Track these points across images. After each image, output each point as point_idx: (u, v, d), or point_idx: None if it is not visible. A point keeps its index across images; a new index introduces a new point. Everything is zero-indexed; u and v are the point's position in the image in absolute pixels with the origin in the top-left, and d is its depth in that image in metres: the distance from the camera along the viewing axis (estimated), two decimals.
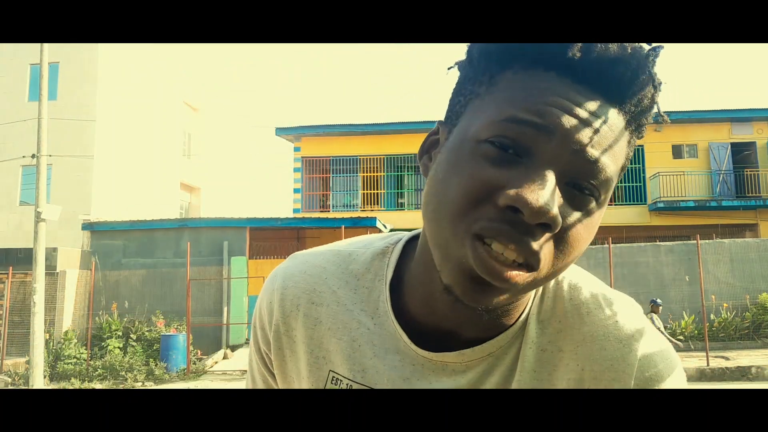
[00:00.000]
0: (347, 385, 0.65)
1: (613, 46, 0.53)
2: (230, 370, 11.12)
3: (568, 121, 0.52)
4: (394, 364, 0.64)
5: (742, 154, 18.15)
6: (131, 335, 12.38)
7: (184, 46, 22.29)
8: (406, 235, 0.73)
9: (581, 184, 0.53)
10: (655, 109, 0.57)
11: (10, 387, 10.65)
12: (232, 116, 27.52)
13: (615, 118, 0.54)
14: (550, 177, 0.52)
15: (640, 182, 18.01)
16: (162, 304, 13.12)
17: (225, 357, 12.30)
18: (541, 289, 0.65)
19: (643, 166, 17.96)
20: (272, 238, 15.15)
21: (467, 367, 0.63)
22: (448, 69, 0.62)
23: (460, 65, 0.61)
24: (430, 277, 0.61)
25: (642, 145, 17.98)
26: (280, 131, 18.87)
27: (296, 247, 15.91)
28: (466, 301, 0.54)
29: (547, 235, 0.52)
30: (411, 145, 17.70)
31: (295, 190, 18.93)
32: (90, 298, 13.04)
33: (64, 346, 11.95)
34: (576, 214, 0.54)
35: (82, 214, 15.38)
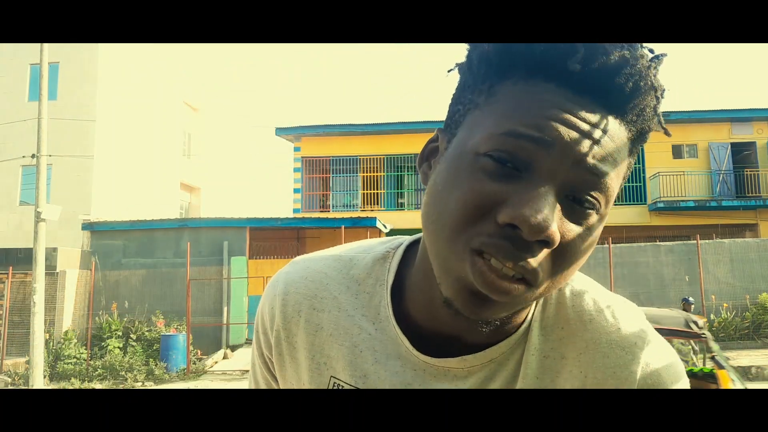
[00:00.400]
0: None
1: (615, 55, 0.52)
2: (230, 370, 11.12)
3: (568, 133, 0.51)
4: (395, 369, 0.64)
5: (742, 154, 18.15)
6: (131, 335, 12.38)
7: (184, 46, 22.29)
8: (407, 239, 0.73)
9: (581, 197, 0.53)
10: (656, 119, 0.56)
11: (10, 387, 10.65)
12: (232, 116, 27.52)
13: (616, 128, 0.54)
14: (549, 192, 0.51)
15: (640, 182, 18.01)
16: (162, 304, 13.12)
17: (225, 357, 12.30)
18: (543, 297, 0.65)
19: (643, 166, 17.96)
20: (272, 238, 15.16)
21: (469, 373, 0.63)
22: (448, 71, 0.61)
23: (461, 68, 0.60)
24: (430, 284, 0.61)
25: (642, 145, 17.97)
26: (280, 131, 18.87)
27: (296, 247, 15.94)
28: (465, 314, 0.55)
29: (546, 250, 0.52)
30: (411, 145, 17.70)
31: (295, 190, 18.93)
32: (90, 298, 13.04)
33: (64, 346, 11.95)
34: (575, 229, 0.53)
35: (82, 214, 15.38)
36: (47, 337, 11.87)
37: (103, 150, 17.24)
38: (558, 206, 0.52)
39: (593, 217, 0.54)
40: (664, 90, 0.56)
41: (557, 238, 0.51)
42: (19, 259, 13.14)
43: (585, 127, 0.52)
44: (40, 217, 10.12)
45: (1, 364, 11.67)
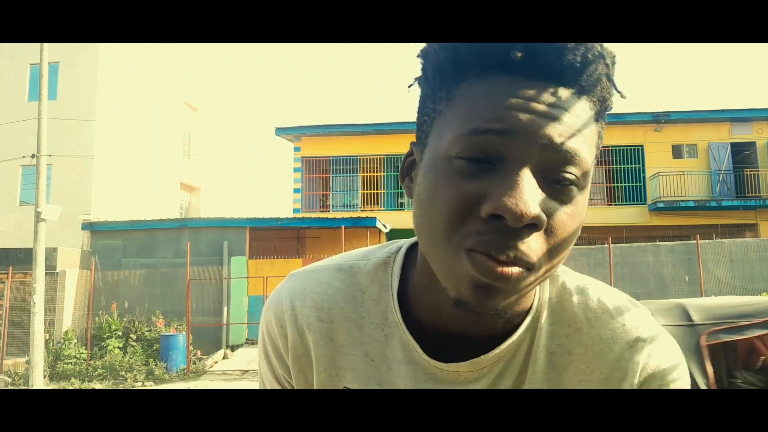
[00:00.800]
0: None
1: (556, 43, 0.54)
2: (230, 370, 11.12)
3: (528, 118, 0.53)
4: (407, 375, 0.65)
5: (742, 154, 18.16)
6: (131, 335, 12.39)
7: (184, 46, 22.29)
8: (406, 242, 0.73)
9: (558, 176, 0.54)
10: (612, 84, 0.57)
11: (10, 387, 10.65)
12: (232, 116, 27.53)
13: (575, 102, 0.55)
14: (525, 177, 0.52)
15: (640, 182, 18.01)
16: (162, 304, 13.12)
17: (225, 357, 12.30)
18: (547, 294, 0.66)
19: (643, 166, 17.96)
20: (272, 238, 15.16)
21: (479, 375, 0.63)
22: (409, 87, 0.63)
23: (419, 81, 0.61)
24: (434, 286, 0.61)
25: (642, 145, 18.00)
26: (280, 131, 18.87)
27: (296, 247, 15.94)
28: (476, 307, 0.55)
29: (536, 233, 0.53)
30: None
31: (295, 190, 18.93)
32: (90, 298, 13.04)
33: (64, 346, 11.95)
34: (559, 206, 0.54)
35: (82, 214, 15.38)
36: (47, 337, 11.87)
37: (103, 150, 17.24)
38: (537, 189, 0.53)
39: (574, 192, 0.55)
40: (614, 56, 0.57)
41: (543, 219, 0.52)
42: (19, 259, 13.14)
43: (544, 108, 0.53)
44: (40, 217, 10.12)
45: (1, 364, 11.67)
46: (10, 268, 12.72)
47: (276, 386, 0.74)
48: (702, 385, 3.28)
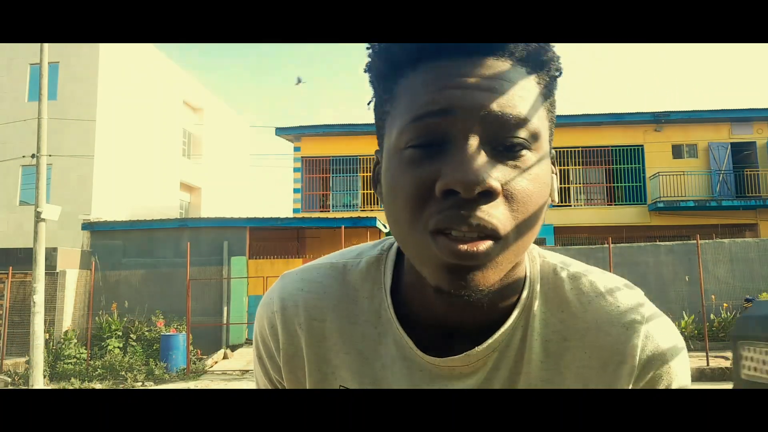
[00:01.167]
0: None
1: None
2: (230, 370, 11.12)
3: (462, 93, 0.54)
4: (402, 372, 0.64)
5: (742, 154, 18.16)
6: (131, 335, 12.38)
7: (184, 46, 22.30)
8: None
9: (506, 142, 0.54)
10: (542, 47, 0.58)
11: (10, 387, 10.65)
12: (232, 116, 27.52)
13: (508, 69, 0.56)
14: (471, 149, 0.53)
15: (640, 182, 18.01)
16: (162, 304, 13.12)
17: (225, 357, 12.30)
18: (539, 282, 0.66)
19: (643, 166, 17.96)
20: (272, 238, 15.15)
21: (475, 368, 0.63)
22: (368, 104, 0.65)
23: (373, 94, 0.64)
24: (422, 280, 0.61)
25: (642, 145, 17.99)
26: (280, 131, 18.87)
27: (296, 247, 15.94)
28: (455, 292, 0.55)
29: (495, 201, 0.53)
30: None
31: (295, 190, 18.93)
32: (90, 298, 13.04)
33: (64, 346, 11.95)
34: (513, 172, 0.55)
35: (82, 214, 15.38)
36: (47, 337, 11.88)
37: (103, 150, 17.23)
38: (486, 158, 0.53)
39: (528, 155, 0.55)
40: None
41: (496, 185, 0.52)
42: (19, 259, 13.14)
43: (476, 80, 0.54)
44: (40, 217, 10.12)
45: (1, 364, 11.67)
46: (10, 268, 12.72)
47: (269, 387, 0.74)
48: None
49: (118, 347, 11.87)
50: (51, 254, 12.44)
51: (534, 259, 0.67)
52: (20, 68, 17.98)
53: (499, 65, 0.56)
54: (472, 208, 0.52)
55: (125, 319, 12.89)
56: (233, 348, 12.96)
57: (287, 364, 0.70)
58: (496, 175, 0.53)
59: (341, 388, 0.66)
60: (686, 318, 11.72)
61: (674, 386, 0.63)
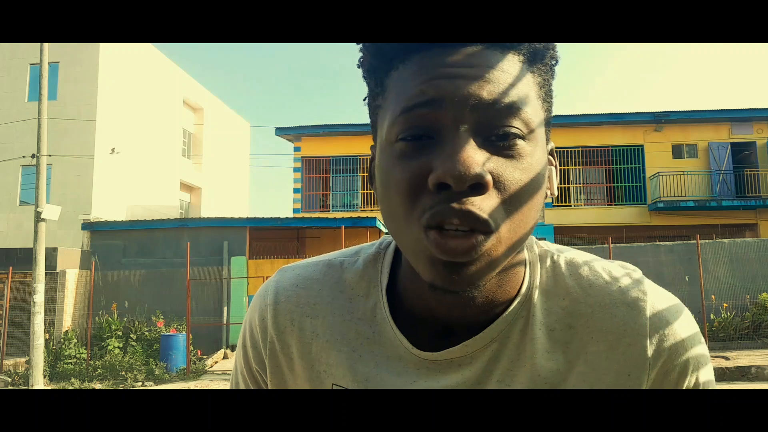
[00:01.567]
0: None
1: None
2: (230, 370, 11.10)
3: (451, 83, 0.53)
4: (398, 370, 0.63)
5: (742, 154, 18.16)
6: (131, 335, 12.39)
7: (184, 46, 22.30)
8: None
9: (498, 131, 0.53)
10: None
11: (10, 387, 10.65)
12: (232, 116, 27.52)
13: (499, 57, 0.55)
14: (463, 141, 0.52)
15: (640, 182, 18.02)
16: (162, 304, 13.12)
17: (225, 357, 12.30)
18: (538, 274, 0.65)
19: (643, 166, 17.97)
20: (272, 238, 15.16)
21: (473, 358, 0.62)
22: (364, 99, 0.65)
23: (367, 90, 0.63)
24: (418, 277, 0.60)
25: (642, 145, 18.00)
26: (280, 131, 18.87)
27: (296, 247, 15.93)
28: (450, 288, 0.54)
29: (487, 194, 0.52)
30: None
31: (295, 190, 18.93)
32: (90, 298, 13.04)
33: (64, 346, 11.95)
34: (506, 162, 0.53)
35: (82, 214, 15.38)
36: (47, 337, 11.88)
37: (103, 150, 17.23)
38: (477, 149, 0.52)
39: (521, 144, 0.54)
40: None
41: (486, 176, 0.51)
42: (19, 259, 13.14)
43: (465, 70, 0.54)
44: (40, 217, 10.12)
45: (1, 364, 11.67)
46: (10, 268, 12.72)
47: (249, 381, 0.74)
48: None
49: (118, 347, 11.88)
50: (51, 254, 12.44)
51: (532, 250, 0.67)
52: (20, 68, 17.99)
53: (490, 54, 0.55)
54: (464, 201, 0.51)
55: (125, 319, 12.90)
56: (233, 348, 12.97)
57: (272, 359, 0.69)
58: (488, 166, 0.52)
59: (334, 386, 0.65)
60: None
61: (691, 357, 0.61)
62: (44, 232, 10.24)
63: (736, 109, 17.69)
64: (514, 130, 0.54)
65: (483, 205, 0.52)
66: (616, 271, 0.65)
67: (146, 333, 12.44)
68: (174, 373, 10.97)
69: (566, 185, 18.62)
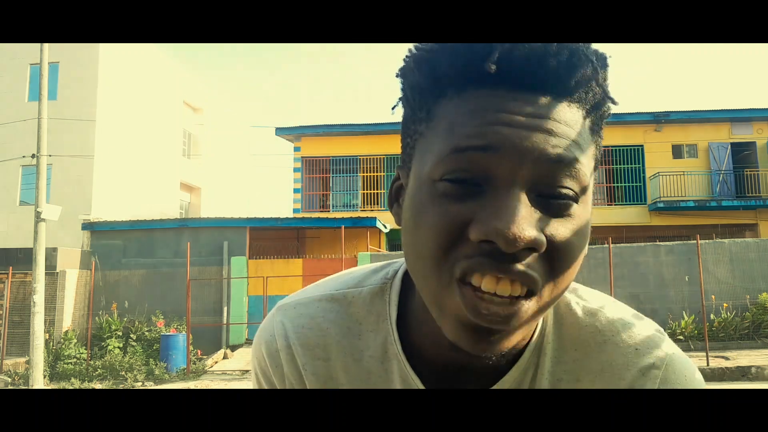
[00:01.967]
0: None
1: (536, 44, 0.50)
2: (230, 370, 11.12)
3: (512, 132, 0.49)
4: None
5: (742, 154, 18.16)
6: (131, 335, 12.39)
7: (184, 46, 22.31)
8: (402, 265, 0.68)
9: (553, 192, 0.50)
10: (603, 89, 0.53)
11: (10, 387, 10.65)
12: (232, 116, 27.52)
13: (565, 111, 0.51)
14: (516, 197, 0.48)
15: (640, 182, 18.02)
16: (162, 304, 13.12)
17: (225, 357, 12.30)
18: (553, 317, 0.62)
19: (643, 166, 17.97)
20: (272, 238, 15.16)
21: None
22: (392, 108, 0.60)
23: (402, 101, 0.58)
24: (431, 317, 0.56)
25: (642, 145, 18.00)
26: (280, 131, 18.88)
27: (296, 247, 15.93)
28: (475, 353, 0.50)
29: (535, 254, 0.48)
30: None
31: (295, 190, 18.93)
32: (90, 298, 13.04)
33: (64, 346, 11.95)
34: (559, 225, 0.50)
35: (82, 214, 15.38)
36: (47, 337, 11.88)
37: (103, 150, 17.23)
38: (531, 208, 0.49)
39: (574, 207, 0.50)
40: (605, 58, 0.52)
41: (542, 240, 0.48)
42: (19, 259, 13.14)
43: (530, 120, 0.49)
44: (40, 217, 10.12)
45: (1, 364, 11.67)
46: (10, 268, 12.72)
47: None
48: None
49: (118, 347, 11.88)
50: (51, 254, 12.44)
51: None
52: (20, 68, 17.99)
53: (555, 104, 0.50)
54: (511, 260, 0.47)
55: (125, 319, 12.90)
56: (233, 348, 12.97)
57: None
58: (540, 228, 0.48)
59: None
60: (686, 318, 11.73)
61: None
62: (44, 232, 10.24)
63: (736, 109, 17.69)
64: (568, 192, 0.50)
65: (532, 265, 0.48)
66: (637, 329, 0.62)
67: (146, 333, 12.44)
68: (174, 373, 10.97)
69: None
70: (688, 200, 16.85)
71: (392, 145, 18.36)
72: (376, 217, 14.61)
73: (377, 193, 19.08)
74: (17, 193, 17.43)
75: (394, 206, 0.61)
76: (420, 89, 0.55)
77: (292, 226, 15.16)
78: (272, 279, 12.44)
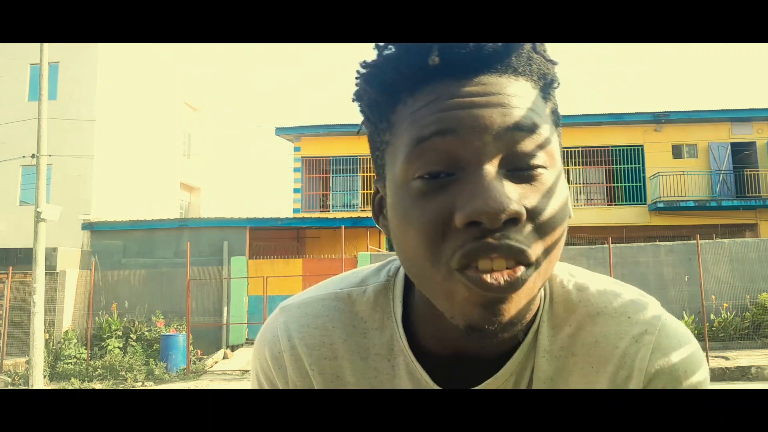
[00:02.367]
0: None
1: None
2: (230, 370, 11.12)
3: (468, 113, 0.51)
4: None
5: (742, 154, 18.16)
6: (131, 335, 12.39)
7: (184, 46, 22.31)
8: None
9: (522, 163, 0.51)
10: (543, 57, 0.55)
11: (10, 387, 10.65)
12: (232, 116, 27.52)
13: (513, 84, 0.53)
14: (488, 173, 0.50)
15: (640, 182, 18.02)
16: (162, 304, 13.12)
17: (225, 357, 12.30)
18: (548, 296, 0.63)
19: (643, 166, 17.97)
20: (272, 238, 15.16)
21: None
22: (358, 133, 0.63)
23: (364, 122, 0.60)
24: (435, 311, 0.57)
25: (642, 145, 18.00)
26: (280, 131, 18.87)
27: (296, 247, 15.93)
28: (490, 328, 0.51)
29: (521, 225, 0.50)
30: None
31: (295, 190, 18.93)
32: (90, 298, 13.05)
33: (64, 346, 11.96)
34: (534, 192, 0.51)
35: (82, 214, 15.38)
36: (47, 337, 11.88)
37: (103, 150, 17.23)
38: (506, 181, 0.50)
39: (545, 175, 0.52)
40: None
41: (522, 211, 0.49)
42: (19, 259, 13.16)
43: (481, 99, 0.51)
44: (40, 217, 10.12)
45: (1, 364, 11.67)
46: (10, 268, 12.73)
47: None
48: None
49: (118, 347, 11.88)
50: (51, 254, 12.45)
51: None
52: (20, 68, 17.98)
53: (504, 81, 0.52)
54: (500, 235, 0.49)
55: (125, 319, 12.91)
56: (233, 348, 12.97)
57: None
58: (520, 199, 0.50)
59: None
60: (686, 318, 11.73)
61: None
62: (44, 232, 10.24)
63: (736, 109, 17.69)
64: (536, 161, 0.52)
65: (519, 237, 0.50)
66: (628, 299, 0.63)
67: (146, 333, 12.45)
68: (174, 373, 10.97)
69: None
70: (688, 200, 16.85)
71: None
72: None
73: None
74: (17, 193, 17.43)
75: (380, 219, 0.62)
76: (377, 104, 0.57)
77: (292, 226, 15.17)
78: (272, 279, 12.44)
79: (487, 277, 0.49)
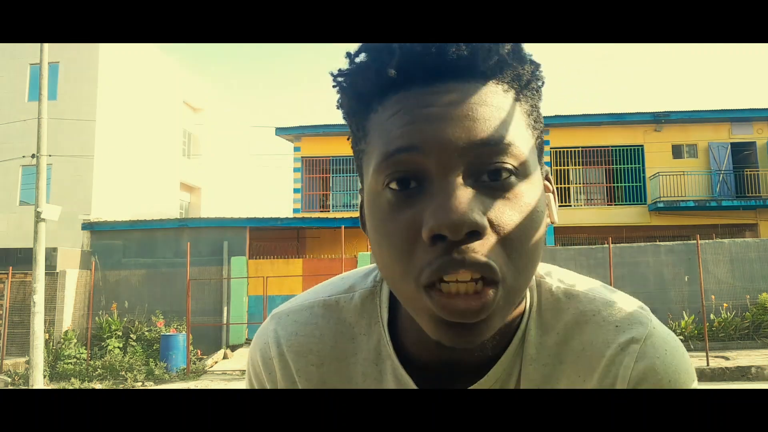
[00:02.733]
0: None
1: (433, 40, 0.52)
2: (230, 370, 11.12)
3: (433, 127, 0.50)
4: None
5: (742, 154, 18.15)
6: (131, 335, 12.39)
7: (184, 46, 22.31)
8: None
9: (488, 170, 0.50)
10: (511, 56, 0.53)
11: (10, 387, 10.65)
12: (232, 116, 27.52)
13: (481, 90, 0.51)
14: (451, 186, 0.49)
15: (640, 182, 18.01)
16: (162, 304, 13.12)
17: (225, 357, 12.30)
18: (536, 301, 0.63)
19: (643, 166, 17.96)
20: (272, 238, 15.16)
21: None
22: (348, 139, 0.63)
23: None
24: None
25: (642, 145, 18.00)
26: (280, 131, 18.87)
27: (296, 247, 15.94)
28: (458, 347, 0.52)
29: (485, 238, 0.49)
30: None
31: (295, 190, 18.93)
32: (90, 298, 13.04)
33: (64, 346, 11.96)
34: (501, 203, 0.50)
35: (82, 214, 15.38)
36: (47, 337, 11.88)
37: (103, 150, 17.24)
38: (470, 192, 0.49)
39: (514, 182, 0.51)
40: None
41: (482, 221, 0.48)
42: (19, 259, 13.15)
43: (448, 110, 0.50)
44: (40, 217, 10.12)
45: (1, 364, 11.67)
46: (10, 268, 12.72)
47: None
48: None
49: (118, 347, 11.88)
50: (51, 254, 12.44)
51: (531, 283, 0.64)
52: (20, 68, 17.99)
53: (471, 88, 0.51)
54: (463, 249, 0.48)
55: (125, 319, 12.91)
56: (233, 348, 12.97)
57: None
58: (482, 210, 0.49)
59: None
60: (686, 318, 11.73)
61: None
62: (44, 232, 10.24)
63: (736, 109, 17.68)
64: (506, 166, 0.50)
65: (483, 251, 0.48)
66: (617, 307, 0.62)
67: (146, 333, 12.45)
68: (174, 373, 10.97)
69: (566, 185, 18.62)
70: (688, 200, 16.85)
71: None
72: None
73: None
74: (17, 193, 17.44)
75: (364, 227, 0.62)
76: (353, 112, 0.58)
77: (292, 226, 15.16)
78: (272, 279, 12.45)
79: (454, 302, 0.49)
